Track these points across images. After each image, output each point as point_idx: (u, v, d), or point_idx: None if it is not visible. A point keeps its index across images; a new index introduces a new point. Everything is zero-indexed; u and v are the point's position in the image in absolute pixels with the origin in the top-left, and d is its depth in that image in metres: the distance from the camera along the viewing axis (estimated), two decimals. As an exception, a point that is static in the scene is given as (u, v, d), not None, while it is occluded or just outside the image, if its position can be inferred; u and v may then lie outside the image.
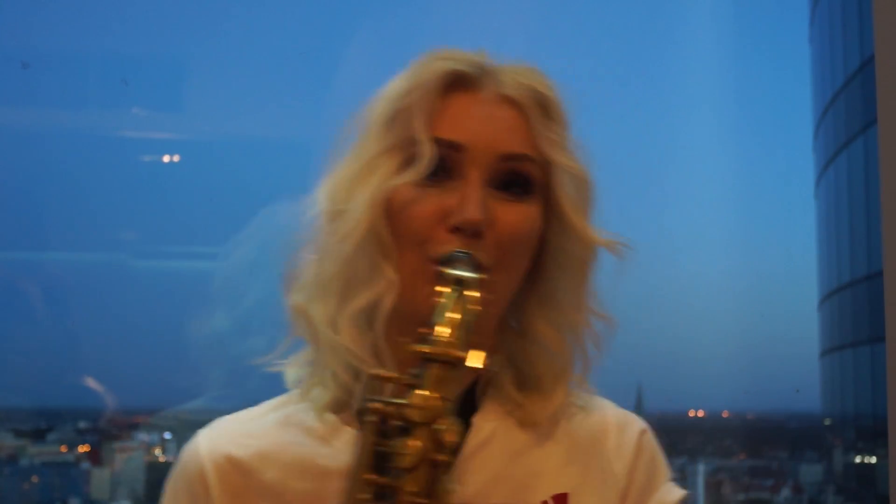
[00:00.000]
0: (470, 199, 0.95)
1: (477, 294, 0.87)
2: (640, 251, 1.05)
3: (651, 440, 1.07)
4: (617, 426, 1.06)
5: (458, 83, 1.00)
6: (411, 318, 0.92)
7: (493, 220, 0.96)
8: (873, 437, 11.49)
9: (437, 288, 0.88)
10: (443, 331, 0.83)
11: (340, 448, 0.97)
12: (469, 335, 0.84)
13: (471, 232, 0.94)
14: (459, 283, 0.87)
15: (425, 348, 0.82)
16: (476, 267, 0.91)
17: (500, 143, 0.98)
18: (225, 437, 1.01)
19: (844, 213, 12.74)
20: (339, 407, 1.00)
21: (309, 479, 0.97)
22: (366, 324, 0.98)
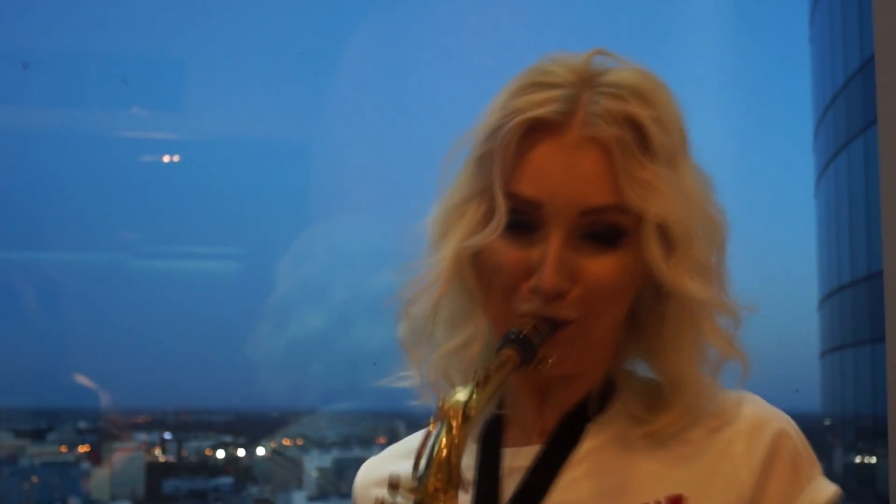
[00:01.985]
0: (547, 263, 0.93)
1: (458, 427, 0.87)
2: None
3: (790, 441, 1.01)
4: (749, 429, 1.01)
5: (540, 127, 0.96)
6: None
7: (576, 276, 0.94)
8: (873, 437, 11.48)
9: (431, 425, 0.88)
10: (430, 479, 0.86)
11: (465, 463, 1.00)
12: (456, 470, 0.87)
13: (549, 296, 0.94)
14: (445, 418, 0.88)
15: (414, 495, 0.86)
16: (533, 349, 0.93)
17: (582, 197, 0.94)
18: (368, 466, 1.15)
19: (844, 213, 12.73)
20: None
21: None
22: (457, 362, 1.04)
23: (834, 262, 13.13)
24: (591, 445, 1.01)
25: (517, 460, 1.02)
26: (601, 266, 0.95)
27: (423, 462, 0.86)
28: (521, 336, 0.92)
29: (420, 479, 0.85)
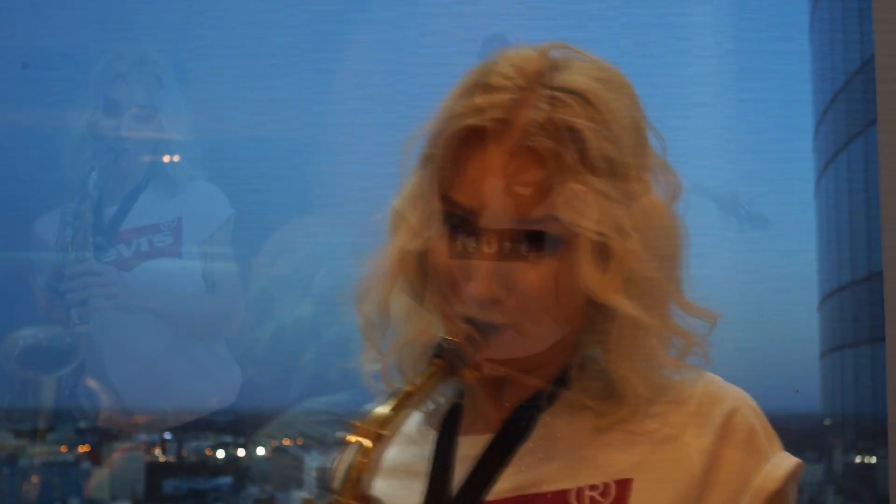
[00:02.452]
0: (479, 274, 0.94)
1: (371, 448, 0.88)
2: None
3: (744, 419, 1.00)
4: (701, 409, 1.00)
5: (480, 133, 0.95)
6: None
7: (511, 284, 0.94)
8: (873, 437, 11.44)
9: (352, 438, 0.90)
10: (344, 496, 0.88)
11: (424, 451, 1.06)
12: (364, 489, 0.88)
13: (483, 304, 0.94)
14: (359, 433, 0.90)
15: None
16: (464, 357, 0.94)
17: (515, 208, 0.94)
18: None
19: (844, 213, 12.72)
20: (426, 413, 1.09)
21: (395, 478, 1.04)
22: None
23: (834, 262, 13.10)
24: (541, 435, 1.02)
25: (470, 448, 1.03)
26: (537, 274, 0.95)
27: (338, 477, 0.87)
28: (451, 346, 0.94)
29: (334, 494, 0.87)
